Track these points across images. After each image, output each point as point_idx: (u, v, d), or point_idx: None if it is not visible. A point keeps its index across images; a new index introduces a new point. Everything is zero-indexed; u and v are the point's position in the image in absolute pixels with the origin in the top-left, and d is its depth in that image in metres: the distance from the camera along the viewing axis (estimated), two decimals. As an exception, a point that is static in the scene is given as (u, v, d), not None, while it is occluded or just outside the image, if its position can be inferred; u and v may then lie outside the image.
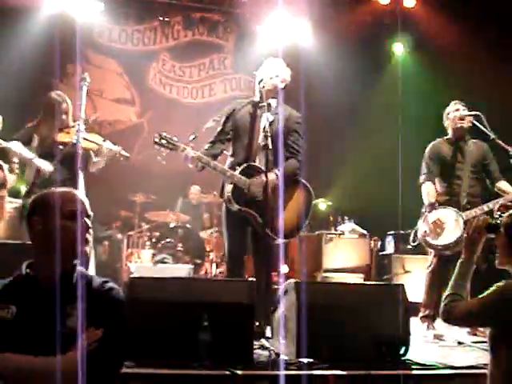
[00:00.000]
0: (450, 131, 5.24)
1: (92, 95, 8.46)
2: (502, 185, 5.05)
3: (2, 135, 5.82)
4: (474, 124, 5.06)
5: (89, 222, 2.23)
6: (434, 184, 5.14)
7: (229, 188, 4.38)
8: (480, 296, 2.42)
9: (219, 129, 4.55)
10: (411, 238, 5.13)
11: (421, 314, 5.07)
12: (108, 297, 2.14)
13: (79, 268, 2.22)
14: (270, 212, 4.24)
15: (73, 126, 4.85)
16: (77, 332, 2.02)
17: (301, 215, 4.54)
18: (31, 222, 2.20)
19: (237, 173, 4.36)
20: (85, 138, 4.74)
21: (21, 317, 2.06)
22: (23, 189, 5.45)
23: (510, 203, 4.78)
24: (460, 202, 4.99)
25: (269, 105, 4.45)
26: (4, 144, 4.91)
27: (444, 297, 2.52)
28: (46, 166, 4.81)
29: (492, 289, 2.40)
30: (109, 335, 2.04)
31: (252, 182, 4.34)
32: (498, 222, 2.54)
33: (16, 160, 5.34)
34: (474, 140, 5.20)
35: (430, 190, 5.09)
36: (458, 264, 2.57)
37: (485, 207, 4.86)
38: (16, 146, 4.89)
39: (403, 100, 8.84)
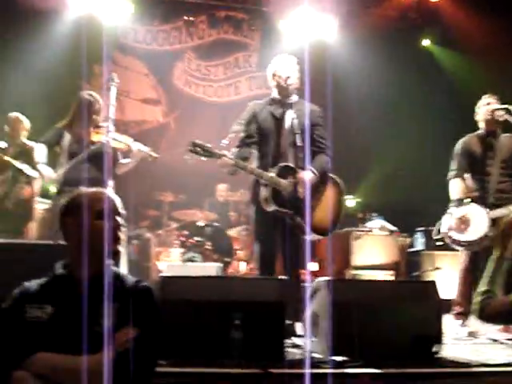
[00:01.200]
0: (480, 126, 5.15)
1: (119, 96, 8.49)
2: None
3: (31, 137, 5.94)
4: (506, 119, 4.97)
5: (121, 221, 2.24)
6: (464, 180, 5.08)
7: (265, 189, 4.37)
8: (515, 292, 2.39)
9: (243, 134, 4.52)
10: (434, 232, 5.07)
11: (454, 311, 5.01)
12: (142, 296, 2.16)
13: (113, 268, 2.23)
14: (305, 210, 4.27)
15: (103, 126, 4.88)
16: (111, 331, 2.04)
17: (335, 211, 4.53)
18: (65, 223, 2.22)
19: (272, 174, 4.34)
20: (114, 139, 4.74)
21: (56, 317, 2.08)
22: (52, 189, 5.41)
23: None
24: (489, 199, 4.91)
25: (289, 101, 4.46)
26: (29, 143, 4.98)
27: (477, 293, 2.49)
28: (49, 173, 4.85)
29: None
30: (143, 335, 2.05)
31: (289, 183, 4.31)
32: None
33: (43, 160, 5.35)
34: (506, 135, 5.10)
35: (457, 186, 5.02)
36: (490, 260, 2.54)
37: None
38: (39, 148, 4.99)
39: (431, 95, 8.78)
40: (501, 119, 5.00)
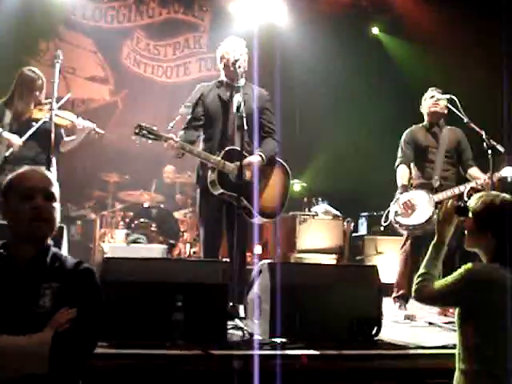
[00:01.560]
0: (425, 117, 5.32)
1: (65, 73, 8.32)
2: (473, 171, 5.16)
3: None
4: (449, 109, 5.13)
5: (53, 202, 2.18)
6: (409, 168, 5.24)
7: (211, 172, 4.38)
8: (449, 276, 2.48)
9: (190, 116, 4.52)
10: (383, 219, 5.20)
11: (394, 295, 5.16)
12: (82, 277, 2.14)
13: (53, 249, 2.21)
14: (253, 193, 4.33)
15: (46, 104, 4.78)
16: (50, 312, 2.03)
17: (282, 195, 4.58)
18: (1, 203, 2.19)
19: (219, 158, 4.34)
20: (57, 115, 4.67)
21: (-5, 297, 2.05)
22: None
23: (479, 187, 4.86)
24: (433, 185, 5.08)
25: (237, 84, 4.46)
26: None
27: (416, 276, 2.57)
28: (16, 140, 4.68)
29: (460, 270, 2.46)
30: (82, 315, 2.04)
31: (235, 166, 4.30)
32: (467, 205, 2.59)
33: None
34: (449, 127, 5.29)
35: (403, 173, 5.20)
36: (430, 245, 2.62)
37: (456, 190, 4.95)
38: None
39: (378, 82, 8.90)
40: (443, 111, 5.19)
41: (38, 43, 8.85)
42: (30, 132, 4.70)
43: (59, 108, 4.79)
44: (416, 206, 4.97)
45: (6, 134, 4.70)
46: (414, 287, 2.56)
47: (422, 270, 2.56)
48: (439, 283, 2.50)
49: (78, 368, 2.08)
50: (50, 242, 2.21)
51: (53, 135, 4.49)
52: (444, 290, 2.47)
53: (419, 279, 2.54)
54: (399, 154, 5.31)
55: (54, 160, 4.67)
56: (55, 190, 2.20)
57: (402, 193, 5.07)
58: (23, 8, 8.17)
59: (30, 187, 2.13)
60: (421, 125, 5.36)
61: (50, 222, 2.15)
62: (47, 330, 1.98)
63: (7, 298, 2.04)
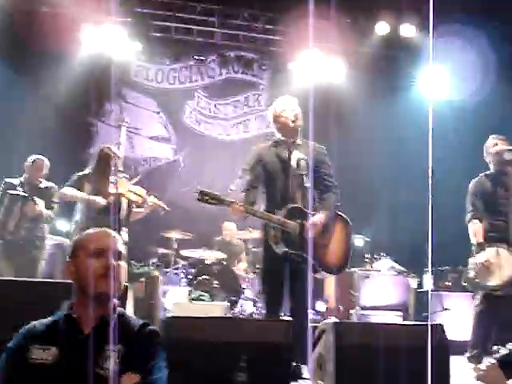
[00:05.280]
0: (491, 166, 5.17)
1: (129, 133, 8.61)
2: None
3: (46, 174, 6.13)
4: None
5: (120, 260, 2.22)
6: (482, 221, 5.04)
7: (274, 231, 4.38)
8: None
9: (250, 177, 4.55)
10: (462, 279, 5.02)
11: (467, 354, 4.91)
12: (147, 340, 2.15)
13: (119, 309, 2.23)
14: (318, 250, 4.32)
15: (120, 178, 5.23)
16: (114, 375, 2.03)
17: (345, 249, 4.55)
18: (67, 264, 2.24)
19: (281, 217, 4.34)
20: (130, 190, 5.23)
21: (60, 359, 2.06)
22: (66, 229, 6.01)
23: None
24: (508, 238, 4.87)
25: (293, 142, 4.47)
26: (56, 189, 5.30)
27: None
28: (101, 200, 5.18)
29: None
30: (147, 381, 2.03)
31: (298, 224, 4.30)
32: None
33: (56, 200, 5.67)
34: None
35: (477, 229, 4.99)
36: None
37: None
38: (70, 191, 5.31)
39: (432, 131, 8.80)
40: (510, 158, 5.02)
41: (102, 105, 9.22)
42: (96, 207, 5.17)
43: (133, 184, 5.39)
44: (494, 265, 4.77)
45: (92, 197, 5.20)
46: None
47: None
48: None
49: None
50: (115, 301, 2.24)
51: (124, 206, 5.24)
52: None
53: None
54: (468, 207, 5.10)
55: (125, 229, 5.29)
56: (123, 250, 2.26)
57: (478, 252, 4.87)
58: (87, 71, 8.57)
59: (101, 246, 2.18)
60: (486, 173, 5.18)
61: (118, 281, 2.18)
62: None
63: (73, 360, 2.05)
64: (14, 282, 4.39)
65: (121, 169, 5.11)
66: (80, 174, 5.41)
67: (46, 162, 6.24)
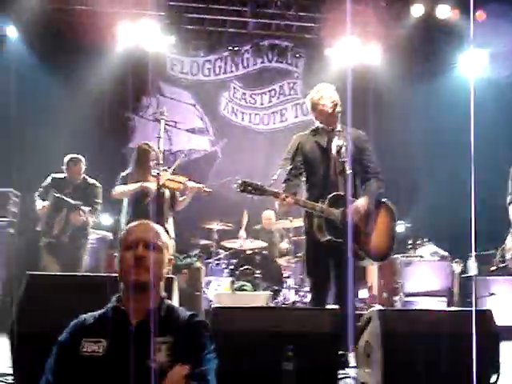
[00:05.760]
0: None
1: (167, 126, 8.66)
2: None
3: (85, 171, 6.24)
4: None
5: (157, 252, 2.23)
6: None
7: (318, 220, 4.36)
8: None
9: (290, 166, 4.52)
10: (497, 259, 4.95)
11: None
12: (196, 331, 2.16)
13: (167, 301, 2.25)
14: (362, 238, 4.31)
15: (159, 172, 5.22)
16: (165, 367, 2.05)
17: (389, 236, 4.50)
18: (114, 258, 2.27)
19: (324, 205, 4.31)
20: (170, 179, 5.23)
21: (111, 351, 2.09)
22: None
23: None
24: None
25: (333, 129, 4.42)
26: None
27: None
28: (152, 186, 5.22)
29: None
30: (197, 371, 2.05)
31: (341, 212, 4.26)
32: None
33: (99, 200, 6.01)
34: None
35: None
36: None
37: None
38: (121, 188, 5.39)
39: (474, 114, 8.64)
40: None
41: (140, 99, 9.30)
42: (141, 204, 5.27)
43: (171, 173, 5.39)
44: None
45: (146, 183, 5.27)
46: None
47: None
48: None
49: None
50: (163, 294, 2.25)
51: (168, 194, 5.36)
52: None
53: None
54: (509, 189, 5.05)
55: (171, 219, 5.41)
56: (160, 241, 2.26)
57: None
58: (124, 66, 8.66)
59: (133, 238, 2.22)
60: None
61: (151, 271, 2.18)
62: None
63: (123, 352, 2.07)
64: (63, 276, 4.49)
65: (161, 162, 5.11)
66: (123, 173, 5.48)
67: (82, 159, 6.31)
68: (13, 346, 3.43)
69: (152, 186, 5.21)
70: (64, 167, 6.26)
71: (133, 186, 5.30)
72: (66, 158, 6.28)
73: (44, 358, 2.22)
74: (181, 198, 5.54)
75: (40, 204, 6.13)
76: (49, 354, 2.17)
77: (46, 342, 2.26)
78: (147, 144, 5.47)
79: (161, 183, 5.07)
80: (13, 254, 6.99)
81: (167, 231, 5.31)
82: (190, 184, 5.40)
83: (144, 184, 5.27)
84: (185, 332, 2.13)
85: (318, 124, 4.59)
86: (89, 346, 2.11)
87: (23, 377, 3.37)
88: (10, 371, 3.53)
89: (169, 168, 5.46)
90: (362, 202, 4.37)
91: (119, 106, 9.03)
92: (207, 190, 5.46)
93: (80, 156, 6.32)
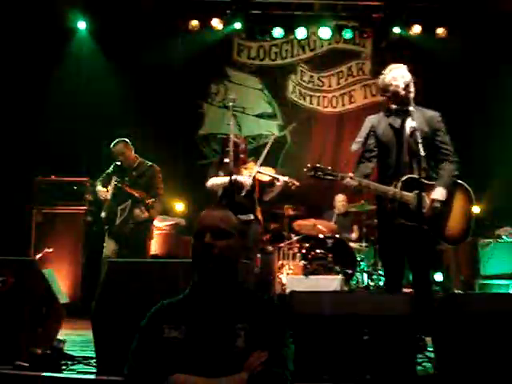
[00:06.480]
0: None
1: (236, 112, 8.72)
2: None
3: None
4: None
5: (226, 240, 2.22)
6: None
7: (390, 203, 4.30)
8: None
9: (363, 149, 4.47)
10: None
11: None
12: (272, 316, 2.16)
13: (243, 286, 2.26)
14: (438, 222, 4.23)
15: (249, 162, 5.61)
16: (243, 352, 2.05)
17: (466, 219, 4.40)
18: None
19: (397, 189, 4.25)
20: (260, 172, 5.50)
21: (191, 337, 2.11)
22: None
23: None
24: None
25: (406, 111, 4.33)
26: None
27: None
28: (247, 180, 5.50)
29: None
30: (275, 357, 2.04)
31: (415, 195, 4.16)
32: None
33: (160, 186, 6.27)
34: None
35: None
36: None
37: None
38: (215, 180, 5.62)
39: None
40: None
41: (209, 86, 9.39)
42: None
43: (260, 165, 5.61)
44: None
45: (239, 177, 5.45)
46: None
47: None
48: None
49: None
50: (239, 279, 2.27)
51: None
52: None
53: None
54: None
55: (259, 208, 5.66)
56: (229, 227, 2.24)
57: None
58: (192, 54, 8.75)
59: (201, 226, 2.22)
60: None
61: (220, 259, 2.17)
62: (242, 373, 2.01)
63: (202, 337, 2.09)
64: (142, 263, 4.61)
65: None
66: (213, 163, 5.76)
67: (121, 142, 6.29)
68: (95, 330, 3.56)
69: (244, 179, 5.44)
70: (113, 152, 6.31)
71: (226, 179, 5.35)
72: (112, 144, 6.31)
73: (125, 342, 2.28)
74: (268, 189, 5.70)
75: (100, 189, 6.29)
76: (130, 338, 2.21)
77: (126, 326, 2.32)
78: (236, 135, 5.63)
79: (252, 175, 5.35)
80: (91, 241, 7.22)
81: (259, 220, 5.65)
82: (278, 177, 5.55)
83: (238, 178, 5.41)
84: (262, 317, 2.14)
85: (390, 105, 4.51)
86: (169, 332, 2.14)
87: (106, 360, 3.50)
88: (94, 355, 3.68)
89: (257, 160, 5.66)
90: (440, 192, 4.27)
91: (188, 93, 9.15)
92: (295, 182, 5.56)
93: (120, 139, 6.31)
